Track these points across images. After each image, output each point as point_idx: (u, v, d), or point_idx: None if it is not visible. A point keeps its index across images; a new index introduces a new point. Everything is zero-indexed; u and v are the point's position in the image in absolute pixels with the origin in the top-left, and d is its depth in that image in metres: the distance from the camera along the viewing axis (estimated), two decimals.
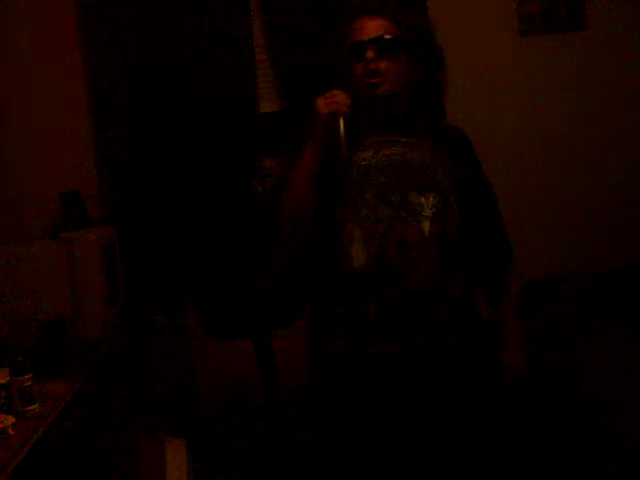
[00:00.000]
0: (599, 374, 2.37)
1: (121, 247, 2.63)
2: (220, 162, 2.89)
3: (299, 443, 2.51)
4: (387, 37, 1.77)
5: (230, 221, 2.89)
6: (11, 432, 1.60)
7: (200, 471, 2.33)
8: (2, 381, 1.72)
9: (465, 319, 1.79)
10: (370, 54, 1.75)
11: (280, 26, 2.87)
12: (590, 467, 2.23)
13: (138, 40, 2.82)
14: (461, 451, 1.79)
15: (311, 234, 1.80)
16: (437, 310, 1.74)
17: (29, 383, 1.73)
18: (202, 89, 2.87)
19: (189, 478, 2.20)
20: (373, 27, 1.78)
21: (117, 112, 2.82)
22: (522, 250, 2.95)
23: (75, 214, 2.69)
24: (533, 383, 2.49)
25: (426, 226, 1.74)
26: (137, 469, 2.13)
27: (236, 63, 2.88)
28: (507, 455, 2.18)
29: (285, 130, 2.92)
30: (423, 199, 1.75)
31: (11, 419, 1.63)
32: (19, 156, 2.82)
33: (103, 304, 2.33)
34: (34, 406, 1.73)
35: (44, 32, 2.81)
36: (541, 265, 2.98)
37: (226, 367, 2.79)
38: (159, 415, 2.37)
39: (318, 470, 1.88)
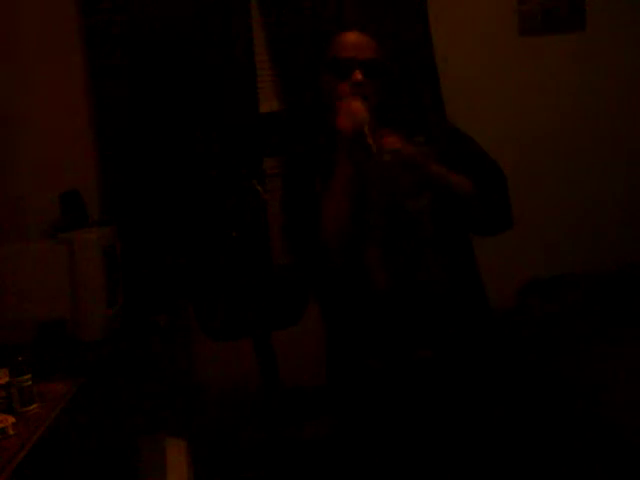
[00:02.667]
0: (600, 374, 2.37)
1: (121, 247, 2.63)
2: (220, 162, 2.89)
3: (299, 443, 2.51)
4: (375, 59, 1.78)
5: (230, 221, 2.89)
6: (11, 432, 1.60)
7: (200, 471, 2.32)
8: (2, 381, 1.72)
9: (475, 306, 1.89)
10: (358, 76, 1.76)
11: (280, 26, 2.87)
12: (590, 467, 2.23)
13: (138, 40, 2.82)
14: (497, 447, 1.85)
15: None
16: (454, 304, 1.83)
17: (29, 383, 1.73)
18: (202, 89, 2.87)
19: (189, 478, 2.20)
20: (359, 45, 1.79)
21: (117, 112, 2.82)
22: (522, 250, 2.98)
23: (75, 214, 2.69)
24: (533, 383, 2.50)
25: (430, 228, 1.81)
26: (137, 469, 2.12)
27: (236, 63, 2.89)
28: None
29: (285, 130, 2.92)
30: (423, 202, 1.81)
31: (11, 419, 1.63)
32: (19, 156, 2.82)
33: (103, 304, 2.33)
34: (34, 406, 1.73)
35: (46, 32, 2.80)
36: (541, 265, 2.98)
37: (226, 367, 2.79)
38: (159, 415, 2.37)
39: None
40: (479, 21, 3.01)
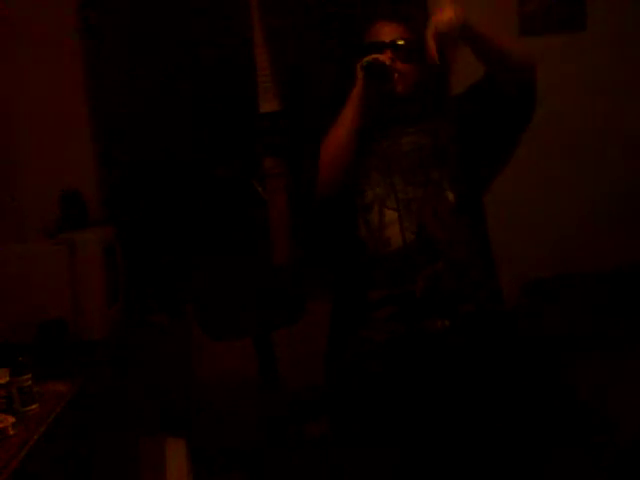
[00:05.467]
0: (600, 374, 2.37)
1: (121, 247, 2.63)
2: (220, 162, 2.89)
3: (299, 442, 2.51)
4: (404, 42, 1.92)
5: (230, 221, 2.89)
6: (11, 432, 1.60)
7: (200, 471, 2.33)
8: (2, 381, 1.72)
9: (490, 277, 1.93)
10: (389, 54, 1.89)
11: (280, 26, 2.87)
12: (590, 466, 2.23)
13: (138, 40, 2.82)
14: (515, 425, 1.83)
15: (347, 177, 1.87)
16: (472, 272, 1.85)
17: (29, 383, 1.73)
18: (202, 89, 2.88)
19: (189, 478, 2.20)
20: (390, 31, 1.93)
21: (117, 112, 2.82)
22: (522, 250, 2.98)
23: (75, 214, 2.69)
24: (534, 383, 2.50)
25: (450, 196, 1.87)
26: (137, 469, 2.13)
27: (236, 63, 2.89)
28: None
29: (285, 130, 2.92)
30: (441, 173, 1.89)
31: (11, 419, 1.63)
32: (19, 156, 2.82)
33: (103, 304, 2.33)
34: (34, 406, 1.73)
35: (46, 33, 2.81)
36: (541, 265, 2.98)
37: (226, 367, 2.79)
38: (159, 415, 2.37)
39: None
40: (479, 21, 3.00)
